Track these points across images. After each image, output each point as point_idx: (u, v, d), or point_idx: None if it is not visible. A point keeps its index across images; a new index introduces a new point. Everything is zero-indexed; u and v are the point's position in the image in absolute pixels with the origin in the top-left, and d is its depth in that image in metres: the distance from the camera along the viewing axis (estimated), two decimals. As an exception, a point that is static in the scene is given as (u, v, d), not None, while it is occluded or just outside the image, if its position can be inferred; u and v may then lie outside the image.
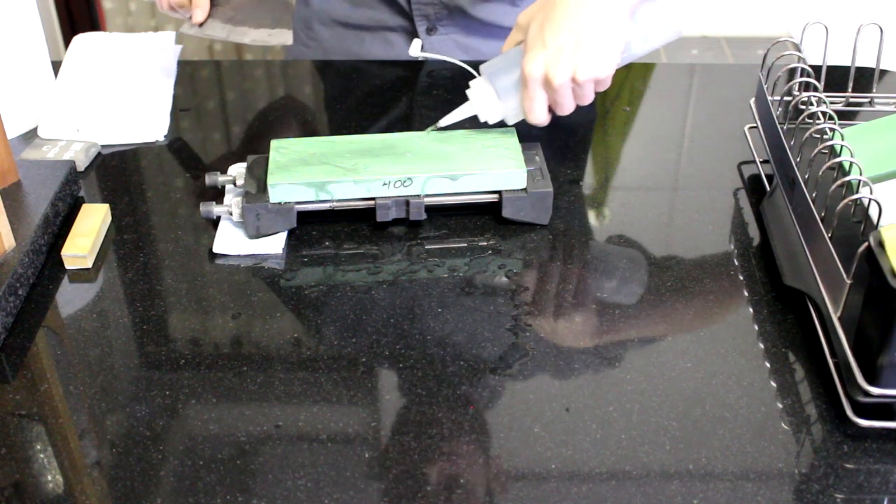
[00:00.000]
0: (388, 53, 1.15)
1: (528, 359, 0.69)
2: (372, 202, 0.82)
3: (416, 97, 1.05)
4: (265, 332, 0.73)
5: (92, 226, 0.82)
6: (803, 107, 0.79)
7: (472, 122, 0.94)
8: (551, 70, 0.82)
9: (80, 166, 0.91)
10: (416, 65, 1.15)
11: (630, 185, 0.90)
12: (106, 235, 0.83)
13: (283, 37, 0.96)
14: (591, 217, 0.85)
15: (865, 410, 0.63)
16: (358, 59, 1.15)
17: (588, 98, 0.85)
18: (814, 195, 0.72)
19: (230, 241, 0.81)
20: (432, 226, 0.83)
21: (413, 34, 1.14)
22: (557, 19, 0.82)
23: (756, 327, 0.72)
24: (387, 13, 1.13)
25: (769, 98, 0.86)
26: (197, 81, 1.10)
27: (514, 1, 1.12)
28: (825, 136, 0.76)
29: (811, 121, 0.78)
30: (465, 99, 0.87)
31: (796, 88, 0.83)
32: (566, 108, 0.85)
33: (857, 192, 0.69)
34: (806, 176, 0.74)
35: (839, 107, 0.92)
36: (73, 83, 1.03)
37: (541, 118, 0.85)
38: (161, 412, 0.65)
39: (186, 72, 1.10)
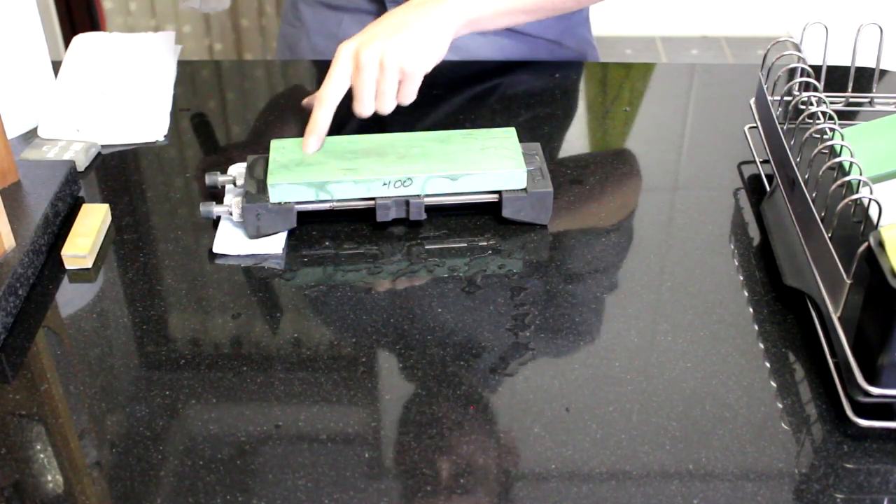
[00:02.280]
0: None
1: (528, 359, 0.69)
2: (372, 202, 0.82)
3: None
4: (265, 332, 0.73)
5: (92, 226, 0.82)
6: (803, 107, 0.79)
7: (473, 123, 0.95)
8: (362, 47, 0.83)
9: (80, 166, 0.91)
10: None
11: (630, 185, 0.90)
12: (106, 235, 0.83)
13: (219, 2, 0.99)
14: (591, 217, 0.85)
15: (865, 410, 0.63)
16: (336, 39, 1.16)
17: (404, 94, 0.85)
18: (814, 195, 0.72)
19: (230, 241, 0.81)
20: (432, 226, 0.83)
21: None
22: (384, 17, 0.86)
23: (756, 327, 0.72)
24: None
25: (769, 98, 0.86)
26: (197, 81, 1.10)
27: None
28: (825, 136, 0.76)
29: (811, 121, 0.78)
30: (464, 100, 0.87)
31: (796, 88, 0.83)
32: (377, 95, 0.84)
33: (857, 192, 0.69)
34: (806, 176, 0.74)
35: (839, 107, 0.92)
36: (73, 83, 1.03)
37: (329, 94, 0.84)
38: (161, 412, 0.66)
39: (186, 72, 1.10)
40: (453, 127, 0.92)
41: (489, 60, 1.14)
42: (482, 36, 1.13)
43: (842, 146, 0.72)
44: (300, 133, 0.84)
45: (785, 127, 0.82)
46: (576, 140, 0.97)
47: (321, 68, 1.14)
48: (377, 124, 0.92)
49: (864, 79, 0.98)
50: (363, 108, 0.84)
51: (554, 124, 0.87)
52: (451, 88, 1.04)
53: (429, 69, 0.85)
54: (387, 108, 0.85)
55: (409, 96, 0.85)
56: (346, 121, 1.00)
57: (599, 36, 1.25)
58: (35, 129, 0.97)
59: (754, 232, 0.83)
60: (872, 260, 0.60)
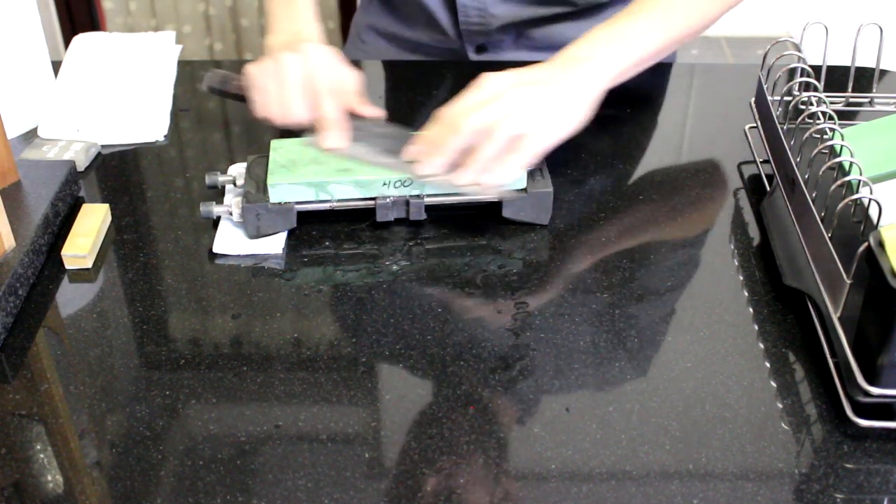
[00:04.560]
0: (438, 72, 1.15)
1: (528, 359, 0.69)
2: (372, 202, 0.82)
3: (416, 97, 1.05)
4: (265, 332, 0.73)
5: (92, 226, 0.82)
6: (803, 107, 0.79)
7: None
8: (476, 110, 0.74)
9: (80, 166, 0.91)
10: (418, 66, 1.15)
11: (630, 185, 0.90)
12: (106, 235, 0.83)
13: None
14: (591, 217, 0.85)
15: (865, 410, 0.63)
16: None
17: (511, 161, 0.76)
18: (814, 195, 0.72)
19: (230, 241, 0.81)
20: (432, 226, 0.83)
21: (462, 54, 1.14)
22: (524, 73, 0.78)
23: (756, 327, 0.72)
24: (434, 33, 1.13)
25: (769, 98, 0.86)
26: (197, 81, 1.10)
27: (574, 19, 1.11)
28: (825, 136, 0.76)
29: (811, 121, 0.78)
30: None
31: (796, 88, 0.83)
32: (468, 163, 0.75)
33: (857, 192, 0.69)
34: (806, 176, 0.74)
35: (839, 107, 0.92)
36: (73, 83, 1.03)
37: (425, 165, 0.76)
38: (161, 412, 0.65)
39: (186, 72, 1.10)
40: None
41: (490, 61, 1.14)
42: (541, 54, 1.13)
43: (842, 146, 0.72)
44: (300, 133, 0.84)
45: (785, 127, 0.82)
46: (576, 140, 0.96)
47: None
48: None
49: (864, 79, 0.98)
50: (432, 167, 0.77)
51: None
52: (452, 89, 1.04)
53: (558, 141, 0.78)
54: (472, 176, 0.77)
55: (512, 171, 0.77)
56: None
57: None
58: (35, 129, 0.97)
59: (754, 232, 0.83)
60: (872, 260, 0.60)
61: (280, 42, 0.88)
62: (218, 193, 0.87)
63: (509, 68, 0.79)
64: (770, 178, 0.86)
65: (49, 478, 0.61)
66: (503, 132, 0.74)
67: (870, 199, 0.67)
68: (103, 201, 0.87)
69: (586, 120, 0.80)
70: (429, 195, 0.82)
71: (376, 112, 0.83)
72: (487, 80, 0.78)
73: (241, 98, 0.87)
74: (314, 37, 0.89)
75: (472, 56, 1.14)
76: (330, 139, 0.79)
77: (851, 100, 0.94)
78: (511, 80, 0.77)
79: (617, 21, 0.85)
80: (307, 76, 0.82)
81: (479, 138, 0.75)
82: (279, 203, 0.80)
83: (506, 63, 1.12)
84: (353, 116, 0.82)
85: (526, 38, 1.12)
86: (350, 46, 1.24)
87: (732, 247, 0.81)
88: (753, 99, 0.92)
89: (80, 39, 1.10)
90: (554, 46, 1.13)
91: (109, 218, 0.85)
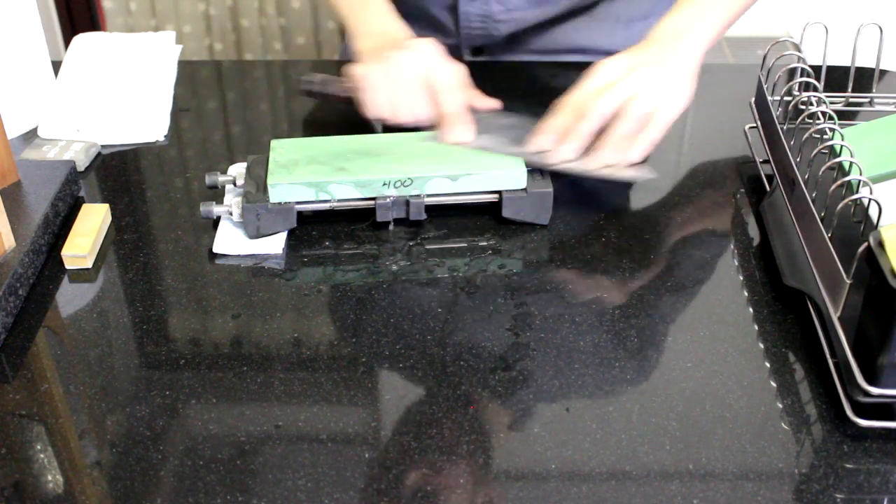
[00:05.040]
0: None
1: (528, 359, 0.69)
2: (372, 202, 0.82)
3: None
4: (265, 332, 0.73)
5: (92, 226, 0.82)
6: (803, 107, 0.79)
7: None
8: (613, 85, 0.78)
9: (80, 166, 0.92)
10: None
11: (630, 185, 0.90)
12: (106, 235, 0.83)
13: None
14: (591, 217, 0.85)
15: (865, 410, 0.63)
16: None
17: (641, 142, 0.79)
18: (814, 195, 0.72)
19: (230, 241, 0.81)
20: (432, 226, 0.83)
21: (458, 54, 1.14)
22: (625, 57, 0.81)
23: (756, 327, 0.72)
24: (432, 34, 1.13)
25: (769, 98, 0.86)
26: (197, 81, 1.10)
27: (576, 27, 1.12)
28: (825, 136, 0.76)
29: (811, 121, 0.78)
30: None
31: (796, 88, 0.83)
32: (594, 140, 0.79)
33: (857, 192, 0.69)
34: (806, 176, 0.74)
35: (839, 107, 0.92)
36: (73, 83, 1.03)
37: (558, 152, 0.80)
38: (161, 412, 0.65)
39: (186, 72, 1.10)
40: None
41: (490, 61, 1.14)
42: (536, 57, 1.13)
43: (842, 146, 0.72)
44: (300, 133, 0.84)
45: (785, 127, 0.82)
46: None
47: (322, 68, 1.14)
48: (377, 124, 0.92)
49: (864, 79, 0.98)
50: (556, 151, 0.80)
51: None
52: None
53: (676, 116, 0.82)
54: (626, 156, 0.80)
55: (644, 148, 0.80)
56: (346, 121, 1.00)
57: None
58: (35, 129, 0.97)
59: (754, 232, 0.83)
60: (872, 260, 0.60)
61: (376, 43, 0.89)
62: (218, 193, 0.87)
63: (504, 70, 0.80)
64: (770, 178, 0.86)
65: (49, 478, 0.61)
66: (634, 111, 0.78)
67: (870, 199, 0.67)
68: (103, 201, 0.87)
69: (693, 93, 0.84)
70: (429, 195, 0.82)
71: (494, 103, 0.85)
72: (602, 66, 0.81)
73: (345, 100, 0.88)
74: (407, 34, 0.90)
75: (468, 58, 1.14)
76: (457, 133, 0.81)
77: (851, 100, 0.94)
78: (626, 64, 0.81)
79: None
80: (423, 73, 0.83)
81: (608, 121, 0.78)
82: (279, 203, 0.80)
83: (502, 64, 1.12)
84: (472, 109, 0.84)
85: (522, 42, 1.13)
86: (347, 46, 1.24)
87: (732, 247, 0.81)
88: (753, 99, 0.92)
89: (80, 39, 1.10)
90: (548, 50, 1.13)
91: (109, 218, 0.85)
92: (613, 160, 0.80)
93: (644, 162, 0.82)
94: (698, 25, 0.85)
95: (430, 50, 0.85)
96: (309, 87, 0.91)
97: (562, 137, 0.79)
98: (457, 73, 0.86)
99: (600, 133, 0.79)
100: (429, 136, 0.84)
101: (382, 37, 0.90)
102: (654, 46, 0.83)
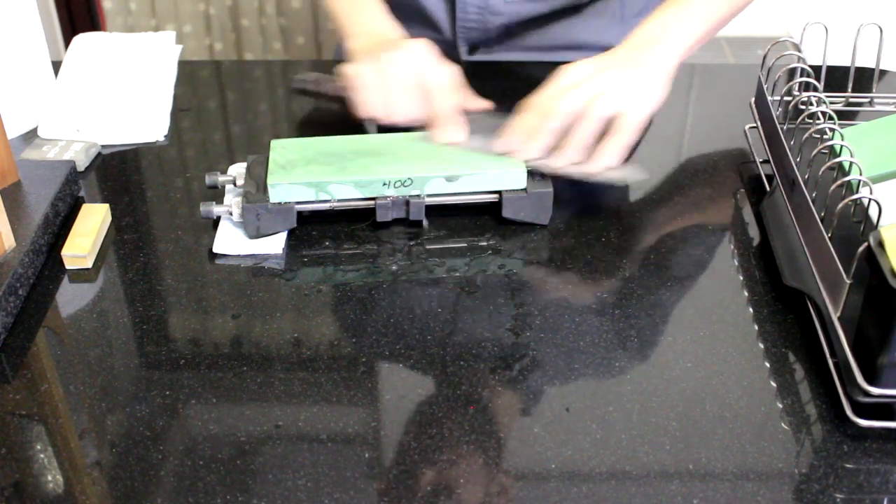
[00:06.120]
0: None
1: (528, 359, 0.69)
2: (372, 202, 0.82)
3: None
4: (265, 332, 0.73)
5: (92, 226, 0.82)
6: (803, 107, 0.79)
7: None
8: (577, 86, 0.78)
9: (80, 166, 0.92)
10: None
11: (630, 185, 0.90)
12: (106, 235, 0.83)
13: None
14: (591, 217, 0.85)
15: (865, 410, 0.63)
16: None
17: (611, 146, 0.79)
18: (814, 195, 0.72)
19: (230, 241, 0.81)
20: (432, 226, 0.83)
21: (453, 53, 1.14)
22: (597, 61, 0.82)
23: (756, 327, 0.72)
24: (427, 31, 1.13)
25: (769, 98, 0.86)
26: (197, 81, 1.10)
27: (573, 22, 1.12)
28: (825, 136, 0.76)
29: (811, 121, 0.78)
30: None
31: (796, 88, 0.83)
32: (566, 143, 0.79)
33: (857, 192, 0.69)
34: (806, 176, 0.74)
35: (839, 107, 0.92)
36: (73, 83, 1.03)
37: (523, 151, 0.80)
38: (161, 412, 0.65)
39: (186, 72, 1.10)
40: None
41: (487, 61, 1.14)
42: (532, 54, 1.13)
43: (842, 146, 0.72)
44: (300, 133, 0.84)
45: (785, 127, 0.82)
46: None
47: (323, 68, 1.14)
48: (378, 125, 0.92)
49: (864, 79, 0.98)
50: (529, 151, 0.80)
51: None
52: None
53: (644, 118, 0.81)
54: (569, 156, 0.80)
55: (616, 150, 0.80)
56: (346, 121, 1.00)
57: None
58: (35, 129, 0.97)
59: (754, 232, 0.83)
60: (872, 260, 0.60)
61: (369, 43, 0.89)
62: (218, 193, 0.87)
63: (501, 70, 0.80)
64: (770, 178, 0.86)
65: (49, 478, 0.61)
66: (597, 111, 0.78)
67: (870, 199, 0.67)
68: (103, 201, 0.87)
69: (666, 96, 0.83)
70: (429, 195, 0.82)
71: (485, 104, 0.85)
72: (571, 67, 0.81)
73: (336, 99, 0.88)
74: (400, 34, 0.90)
75: (465, 56, 1.14)
76: (448, 134, 0.82)
77: (851, 100, 0.94)
78: (595, 65, 0.81)
79: (679, 1, 0.88)
80: (416, 73, 0.83)
81: (573, 121, 0.78)
82: (279, 203, 0.80)
83: (499, 63, 1.12)
84: (464, 110, 0.85)
85: (519, 39, 1.13)
86: (340, 46, 1.24)
87: (732, 247, 0.81)
88: (753, 99, 0.92)
89: (80, 39, 1.10)
90: (544, 47, 1.13)
91: (109, 218, 0.85)
92: (579, 159, 0.80)
93: (629, 161, 0.82)
94: (676, 30, 0.85)
95: (424, 50, 0.85)
96: (302, 85, 0.91)
97: (528, 136, 0.80)
98: (450, 74, 0.86)
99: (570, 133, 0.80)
100: (421, 135, 0.85)
101: (375, 37, 0.90)
102: (627, 50, 0.84)
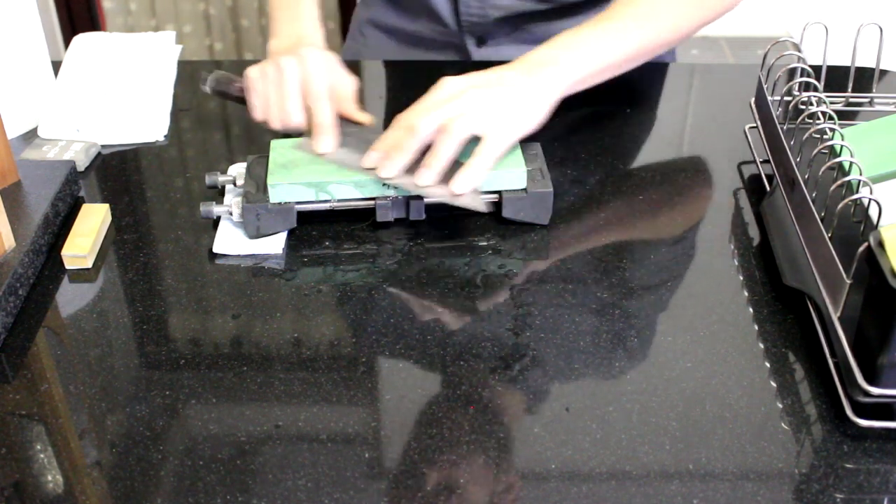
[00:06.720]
0: (439, 72, 1.15)
1: (528, 359, 0.69)
2: (372, 202, 0.82)
3: (417, 97, 1.05)
4: (265, 332, 0.73)
5: (92, 226, 0.82)
6: (803, 107, 0.79)
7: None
8: (434, 110, 0.75)
9: (80, 166, 0.92)
10: (419, 66, 1.15)
11: (630, 185, 0.90)
12: (106, 235, 0.83)
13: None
14: (591, 217, 0.85)
15: (865, 410, 0.63)
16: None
17: (472, 164, 0.76)
18: (814, 195, 0.72)
19: (230, 241, 0.81)
20: (432, 226, 0.83)
21: (462, 47, 1.14)
22: (486, 74, 0.79)
23: (756, 327, 0.72)
24: (434, 26, 1.13)
25: (769, 98, 0.86)
26: (197, 81, 1.10)
27: (577, 17, 1.11)
28: (825, 136, 0.76)
29: (811, 121, 0.78)
30: None
31: (796, 88, 0.83)
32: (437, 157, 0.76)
33: (857, 192, 0.69)
34: (806, 176, 0.74)
35: (839, 107, 0.92)
36: (73, 83, 1.03)
37: (385, 168, 0.77)
38: (161, 412, 0.65)
39: (186, 72, 1.10)
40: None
41: (500, 60, 1.14)
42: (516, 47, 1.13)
43: (842, 146, 0.72)
44: (300, 133, 0.84)
45: (785, 127, 0.82)
46: (576, 140, 0.97)
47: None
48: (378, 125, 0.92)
49: (864, 79, 0.98)
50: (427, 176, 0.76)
51: (554, 124, 0.87)
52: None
53: (515, 140, 0.79)
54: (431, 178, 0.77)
55: (472, 174, 0.77)
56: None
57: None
58: (35, 129, 0.97)
59: (754, 232, 0.83)
60: (872, 260, 0.60)
61: (283, 46, 0.88)
62: (218, 193, 0.88)
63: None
64: (770, 178, 0.86)
65: (49, 478, 0.61)
66: (457, 131, 0.76)
67: (870, 199, 0.67)
68: (103, 201, 0.87)
69: (543, 122, 0.81)
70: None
71: (369, 118, 0.84)
72: (446, 82, 0.79)
73: (242, 101, 0.87)
74: (316, 40, 0.89)
75: (473, 49, 1.14)
76: (321, 144, 0.80)
77: (851, 100, 0.94)
78: (470, 82, 0.79)
79: (585, 27, 0.86)
80: (304, 80, 0.82)
81: (435, 138, 0.76)
82: (279, 203, 0.80)
83: (506, 59, 1.12)
84: (347, 122, 0.83)
85: (525, 32, 1.12)
86: (350, 41, 1.24)
87: (732, 247, 0.81)
88: (753, 99, 0.92)
89: (80, 39, 1.10)
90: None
91: (109, 218, 0.85)
92: (437, 180, 0.77)
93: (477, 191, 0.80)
94: (569, 58, 0.82)
95: (321, 58, 0.84)
96: (210, 84, 0.90)
97: (388, 154, 0.77)
98: (340, 84, 0.84)
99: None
100: (296, 143, 0.83)
101: (291, 39, 0.89)
102: (514, 69, 0.81)
